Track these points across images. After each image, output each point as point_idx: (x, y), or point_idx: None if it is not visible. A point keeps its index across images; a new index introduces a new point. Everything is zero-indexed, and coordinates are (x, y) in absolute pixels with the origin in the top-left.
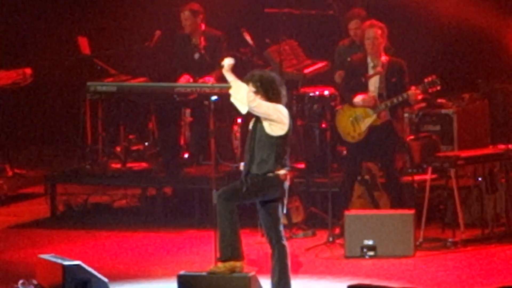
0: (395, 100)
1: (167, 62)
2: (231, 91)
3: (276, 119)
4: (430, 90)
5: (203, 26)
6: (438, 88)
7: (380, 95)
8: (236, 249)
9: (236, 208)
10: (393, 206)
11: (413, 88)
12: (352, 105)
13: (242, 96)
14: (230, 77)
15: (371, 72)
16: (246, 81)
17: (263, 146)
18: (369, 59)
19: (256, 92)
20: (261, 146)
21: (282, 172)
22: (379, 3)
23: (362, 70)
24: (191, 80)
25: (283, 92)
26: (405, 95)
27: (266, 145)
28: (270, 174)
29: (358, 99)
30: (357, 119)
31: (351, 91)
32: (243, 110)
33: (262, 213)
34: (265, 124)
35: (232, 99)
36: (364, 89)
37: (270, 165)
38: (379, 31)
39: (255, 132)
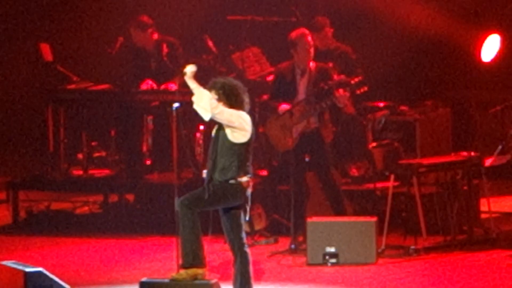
0: (323, 104)
1: (130, 69)
2: (193, 98)
3: (239, 126)
4: (358, 92)
5: (155, 35)
6: (366, 88)
7: (308, 102)
8: (198, 256)
9: (198, 215)
10: (335, 213)
11: (340, 90)
12: (278, 114)
13: (205, 103)
14: (192, 84)
15: (298, 78)
16: (209, 88)
17: (226, 153)
18: (296, 66)
19: (219, 100)
20: (223, 153)
21: (244, 179)
22: (342, 10)
23: (291, 77)
24: (154, 85)
25: (246, 99)
26: (334, 98)
27: (228, 152)
28: (233, 181)
29: (284, 108)
30: (286, 126)
31: (279, 100)
32: (206, 117)
33: (224, 220)
34: (228, 131)
35: (195, 106)
36: (293, 95)
37: (232, 172)
38: (307, 38)
39: (218, 139)
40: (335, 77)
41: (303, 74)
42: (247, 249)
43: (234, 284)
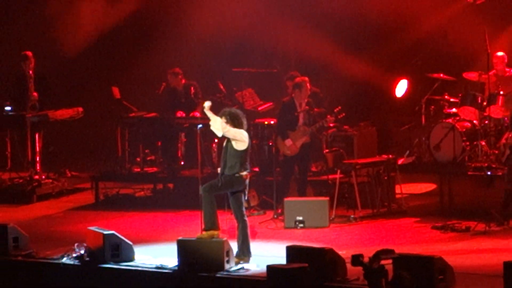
0: (318, 125)
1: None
2: (210, 123)
3: (240, 139)
4: (339, 116)
5: (183, 81)
6: (344, 114)
7: (305, 124)
8: (214, 223)
9: (214, 197)
10: (300, 194)
11: (328, 116)
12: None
13: (218, 126)
14: (209, 114)
15: (299, 109)
16: (220, 115)
17: (232, 156)
18: (295, 101)
19: (227, 122)
20: (230, 157)
21: (244, 173)
22: (307, 64)
23: (292, 108)
24: (183, 114)
25: (245, 122)
26: (324, 121)
27: (234, 156)
28: (237, 175)
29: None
30: (293, 140)
31: (286, 125)
32: (219, 134)
33: (231, 199)
34: (233, 142)
35: (212, 128)
36: (296, 121)
37: (237, 169)
38: (308, 84)
39: (227, 148)
40: (316, 109)
41: (301, 105)
42: (246, 218)
43: (238, 241)
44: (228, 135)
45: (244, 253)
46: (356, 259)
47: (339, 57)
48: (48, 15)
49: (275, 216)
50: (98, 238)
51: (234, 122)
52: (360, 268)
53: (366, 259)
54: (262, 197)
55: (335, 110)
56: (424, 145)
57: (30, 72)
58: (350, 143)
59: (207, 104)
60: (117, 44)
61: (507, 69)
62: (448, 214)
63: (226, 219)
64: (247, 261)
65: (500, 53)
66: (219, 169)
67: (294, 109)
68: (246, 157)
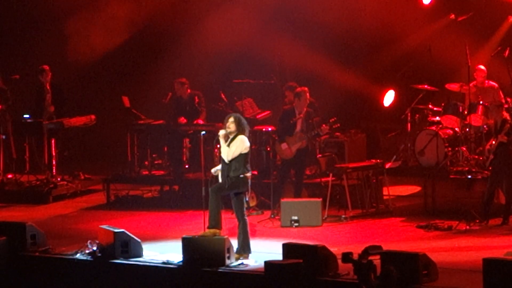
0: (313, 133)
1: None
2: (222, 150)
3: (241, 149)
4: (334, 126)
5: (188, 90)
6: (339, 125)
7: (302, 130)
8: (218, 222)
9: (220, 197)
10: (295, 196)
11: (323, 125)
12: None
13: (228, 154)
14: (222, 142)
15: (297, 116)
16: (229, 116)
17: (236, 160)
18: (296, 108)
19: (233, 122)
20: (234, 160)
21: (248, 174)
22: (302, 75)
23: (292, 116)
24: (186, 120)
25: (247, 129)
26: (319, 130)
27: (237, 159)
28: (242, 176)
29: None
30: (290, 145)
31: (285, 131)
32: (227, 160)
33: (233, 200)
34: (235, 147)
35: (222, 155)
36: (294, 128)
37: (241, 170)
38: (307, 94)
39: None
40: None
41: (300, 114)
42: (246, 218)
43: (238, 239)
44: (234, 156)
45: (244, 250)
46: (346, 257)
47: (332, 69)
48: (63, 32)
49: (272, 216)
50: (109, 235)
51: (239, 126)
52: (350, 264)
53: (355, 256)
54: (261, 198)
55: (331, 120)
56: (410, 150)
57: (47, 84)
58: (341, 149)
59: (221, 133)
60: (127, 57)
61: (486, 81)
62: (432, 214)
63: (227, 218)
64: (246, 257)
65: (481, 67)
66: (213, 170)
67: (294, 116)
68: (248, 160)
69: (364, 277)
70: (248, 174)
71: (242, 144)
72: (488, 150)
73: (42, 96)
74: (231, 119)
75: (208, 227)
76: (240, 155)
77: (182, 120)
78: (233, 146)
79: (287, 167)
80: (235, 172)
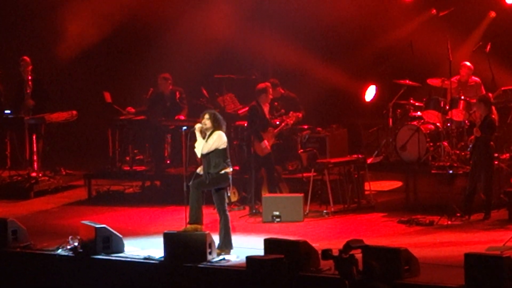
0: (279, 128)
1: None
2: (196, 144)
3: (218, 144)
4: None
5: (170, 86)
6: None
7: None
8: (199, 217)
9: (201, 193)
10: (271, 192)
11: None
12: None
13: (199, 147)
14: (198, 135)
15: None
16: (204, 114)
17: (215, 156)
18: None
19: (208, 119)
20: (214, 156)
21: (229, 169)
22: (284, 70)
23: (260, 111)
24: (133, 110)
25: (224, 125)
26: (285, 124)
27: (216, 155)
28: (222, 172)
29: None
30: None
31: (259, 128)
32: (199, 154)
33: (214, 196)
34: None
35: (195, 149)
36: (267, 125)
37: (221, 166)
38: (270, 89)
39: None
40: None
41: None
42: (228, 213)
43: (220, 234)
44: (209, 150)
45: (226, 245)
46: (326, 253)
47: (313, 64)
48: (45, 25)
49: (254, 211)
50: (90, 231)
51: (215, 123)
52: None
53: (336, 252)
54: (242, 194)
55: (304, 133)
56: (391, 145)
57: (28, 76)
58: (323, 144)
59: (197, 126)
60: (108, 52)
61: (472, 78)
62: (413, 209)
63: (208, 214)
64: (228, 252)
65: (467, 63)
66: (198, 169)
67: (261, 112)
68: (227, 155)
69: (346, 272)
70: (229, 170)
71: (219, 139)
72: (470, 140)
73: (22, 89)
74: (207, 116)
75: (189, 223)
76: (218, 150)
77: (130, 109)
78: (210, 140)
79: (260, 163)
80: (215, 168)
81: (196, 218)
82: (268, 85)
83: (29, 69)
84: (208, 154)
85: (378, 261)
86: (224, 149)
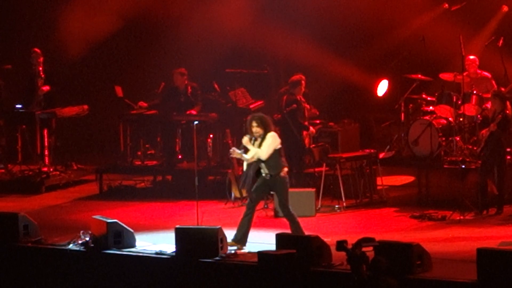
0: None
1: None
2: (248, 154)
3: (276, 144)
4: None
5: (186, 81)
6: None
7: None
8: (245, 238)
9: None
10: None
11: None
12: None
13: (261, 154)
14: (250, 147)
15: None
16: (251, 119)
17: (273, 157)
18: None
19: (257, 126)
20: (272, 157)
21: (286, 169)
22: (294, 65)
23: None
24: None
25: (271, 123)
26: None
27: (275, 155)
28: (282, 173)
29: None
30: None
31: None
32: (263, 157)
33: (262, 194)
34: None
35: (247, 159)
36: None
37: (280, 166)
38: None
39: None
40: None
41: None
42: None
43: (241, 228)
44: (269, 153)
45: (242, 241)
46: (340, 245)
47: (325, 59)
48: (56, 20)
49: (266, 206)
50: (102, 226)
51: (265, 125)
52: (343, 254)
53: (349, 246)
54: None
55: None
56: (403, 140)
57: (39, 68)
58: (335, 139)
59: (245, 139)
60: (119, 47)
61: (479, 71)
62: (425, 204)
63: (219, 209)
64: (241, 248)
65: (471, 57)
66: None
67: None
68: (282, 154)
69: (356, 268)
70: (286, 169)
71: (274, 140)
72: (482, 135)
73: (33, 83)
74: (254, 123)
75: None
76: (276, 151)
77: (142, 103)
78: (265, 145)
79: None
80: (275, 169)
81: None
82: (302, 77)
83: (40, 61)
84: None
85: (389, 256)
86: (280, 149)
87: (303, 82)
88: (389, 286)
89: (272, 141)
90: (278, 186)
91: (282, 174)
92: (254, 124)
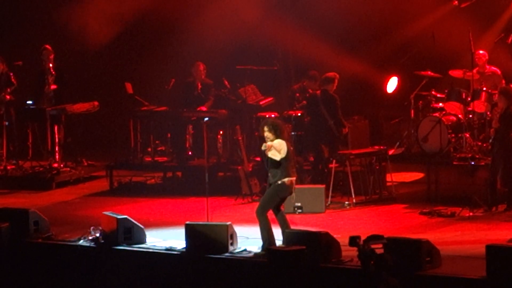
0: None
1: (178, 97)
2: (272, 151)
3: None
4: None
5: (203, 76)
6: None
7: None
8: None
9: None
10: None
11: None
12: None
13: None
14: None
15: None
16: (263, 124)
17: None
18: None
19: (269, 131)
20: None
21: (286, 179)
22: (304, 62)
23: None
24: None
25: (284, 129)
26: None
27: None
28: (280, 182)
29: None
30: None
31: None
32: (278, 158)
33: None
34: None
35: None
36: None
37: (279, 176)
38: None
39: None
40: None
41: None
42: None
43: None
44: (281, 156)
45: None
46: (353, 240)
47: (334, 56)
48: (66, 17)
49: None
50: (112, 222)
51: (276, 131)
52: (353, 251)
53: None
54: (264, 185)
55: None
56: (413, 137)
57: (50, 64)
58: (344, 136)
59: (264, 147)
60: (130, 43)
61: (487, 66)
62: (435, 200)
63: (231, 205)
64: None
65: (481, 51)
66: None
67: None
68: (287, 164)
69: (364, 265)
70: (286, 180)
71: (279, 146)
72: (492, 133)
73: (43, 79)
74: (266, 128)
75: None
76: (280, 160)
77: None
78: (275, 151)
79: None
80: (272, 178)
81: (269, 244)
82: (336, 75)
83: (51, 58)
84: (280, 161)
85: (399, 253)
86: (286, 158)
87: (336, 80)
88: (388, 285)
89: (277, 146)
90: (272, 189)
91: (286, 182)
92: (266, 128)
